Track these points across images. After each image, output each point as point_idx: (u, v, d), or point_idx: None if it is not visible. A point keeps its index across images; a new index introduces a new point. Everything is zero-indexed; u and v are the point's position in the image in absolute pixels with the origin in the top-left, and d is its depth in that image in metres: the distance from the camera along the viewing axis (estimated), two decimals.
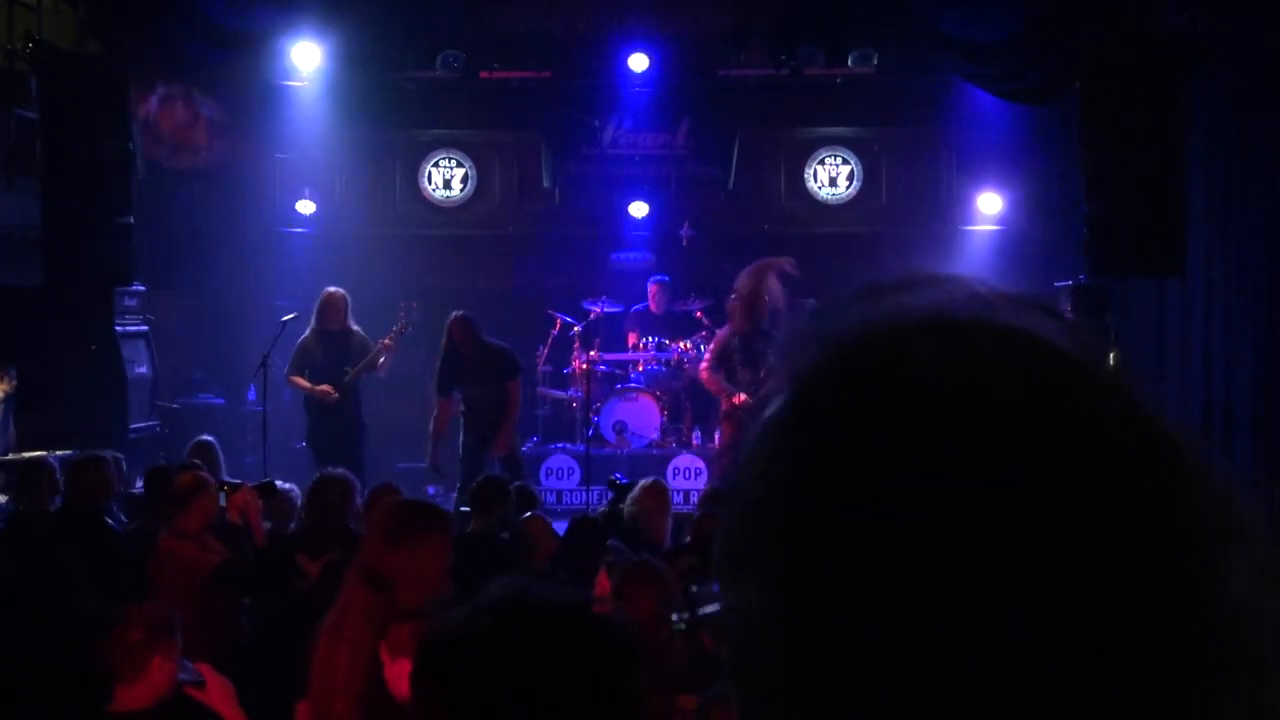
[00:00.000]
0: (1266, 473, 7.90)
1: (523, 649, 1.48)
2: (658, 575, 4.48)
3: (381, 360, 9.94)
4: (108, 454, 7.08)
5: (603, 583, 4.51)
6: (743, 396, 9.60)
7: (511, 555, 5.89)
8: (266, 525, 6.39)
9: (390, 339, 10.01)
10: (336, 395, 9.77)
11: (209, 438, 8.38)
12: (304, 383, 9.88)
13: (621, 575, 4.60)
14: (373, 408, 10.55)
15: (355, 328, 10.05)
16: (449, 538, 3.87)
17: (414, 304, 11.30)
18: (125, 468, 7.77)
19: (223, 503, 6.14)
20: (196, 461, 7.40)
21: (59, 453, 8.62)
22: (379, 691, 3.62)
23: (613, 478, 8.13)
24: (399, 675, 3.57)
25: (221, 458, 8.09)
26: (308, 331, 10.02)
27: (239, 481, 6.46)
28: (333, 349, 9.89)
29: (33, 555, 5.41)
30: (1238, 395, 8.74)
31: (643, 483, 7.31)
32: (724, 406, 10.02)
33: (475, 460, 9.69)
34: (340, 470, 6.37)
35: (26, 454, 8.77)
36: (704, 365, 10.06)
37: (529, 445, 11.71)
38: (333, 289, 10.10)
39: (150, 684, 4.04)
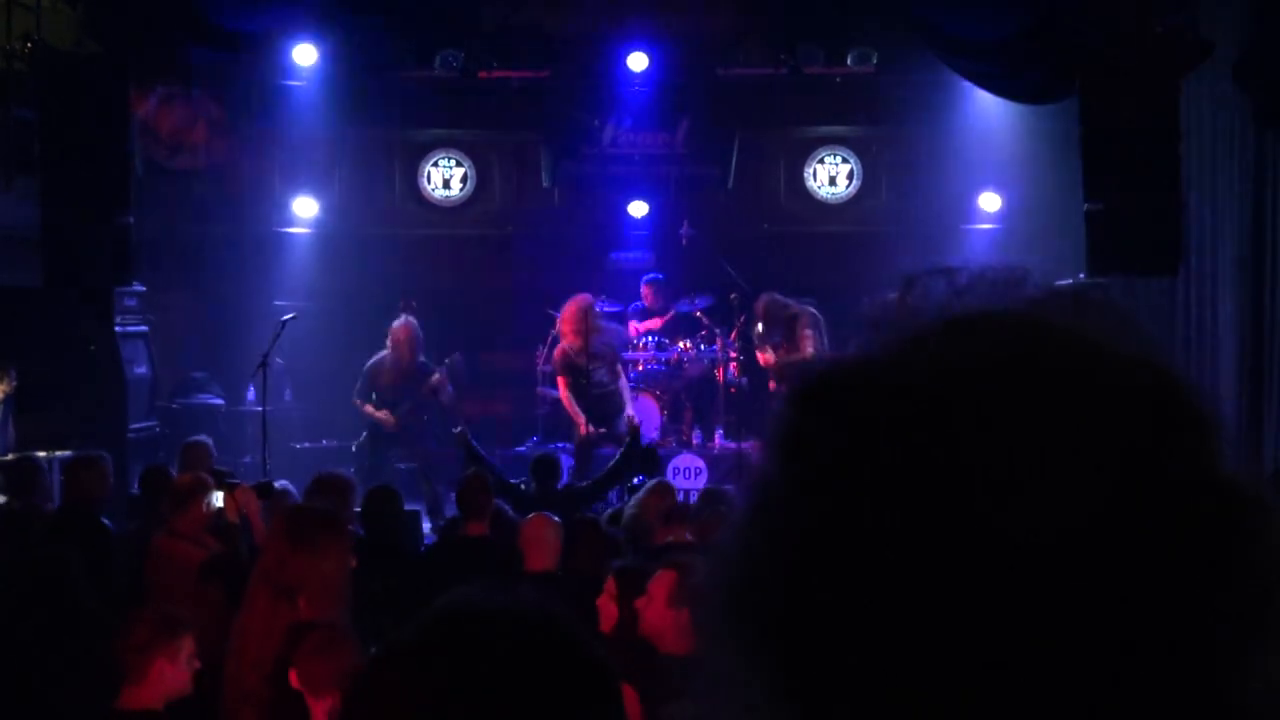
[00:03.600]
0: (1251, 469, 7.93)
1: (478, 662, 1.37)
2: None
3: (440, 392, 10.66)
4: (102, 454, 7.07)
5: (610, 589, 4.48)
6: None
7: (510, 558, 5.85)
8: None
9: (441, 373, 10.67)
10: (394, 422, 10.48)
11: (204, 438, 8.45)
12: (370, 409, 10.57)
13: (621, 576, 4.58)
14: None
15: (421, 358, 10.72)
16: (349, 545, 3.96)
17: (413, 302, 11.33)
18: (125, 468, 7.79)
19: (220, 503, 6.12)
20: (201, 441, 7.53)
21: (59, 453, 8.63)
22: (284, 695, 3.65)
23: (636, 482, 8.23)
24: (323, 712, 3.60)
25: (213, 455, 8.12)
26: (380, 356, 10.69)
27: (238, 480, 6.46)
28: (397, 378, 10.60)
29: (34, 554, 5.40)
30: (1229, 392, 8.79)
31: (648, 484, 7.31)
32: None
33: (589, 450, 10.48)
34: (338, 470, 6.37)
35: (25, 454, 8.77)
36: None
37: (528, 445, 11.71)
38: (401, 320, 10.72)
39: (155, 685, 4.02)
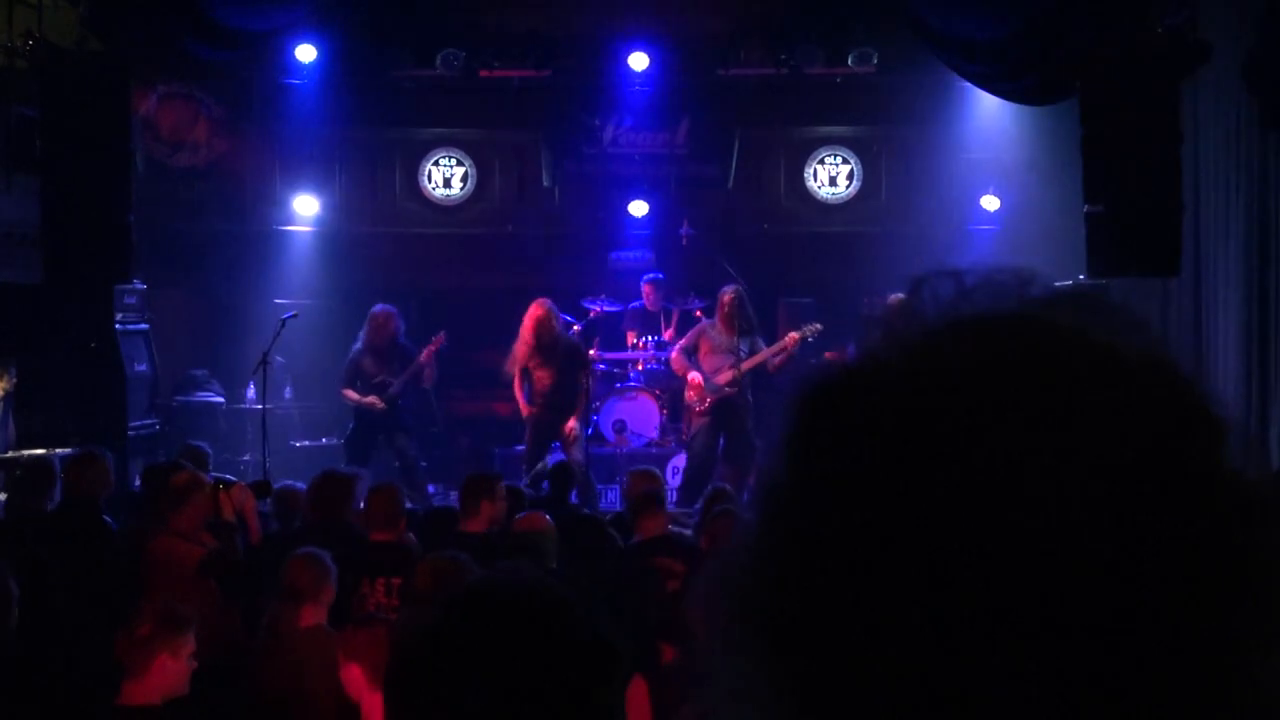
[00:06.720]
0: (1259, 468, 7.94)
1: (495, 643, 1.45)
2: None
3: (425, 372, 10.66)
4: (103, 451, 7.06)
5: None
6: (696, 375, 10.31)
7: (508, 555, 5.84)
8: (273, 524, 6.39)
9: (429, 352, 10.61)
10: (383, 406, 10.41)
11: (200, 443, 8.48)
12: (354, 395, 10.53)
13: None
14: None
15: (402, 341, 10.70)
16: None
17: (411, 302, 11.33)
18: (125, 465, 7.78)
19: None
20: (199, 446, 7.49)
21: (59, 450, 8.62)
22: None
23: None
24: (350, 679, 3.64)
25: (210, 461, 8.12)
26: (358, 346, 10.64)
27: (233, 480, 6.46)
28: (380, 363, 10.55)
29: (22, 557, 5.38)
30: (1230, 394, 8.79)
31: (629, 474, 7.34)
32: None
33: (542, 446, 10.37)
34: (343, 467, 6.37)
35: (26, 452, 8.77)
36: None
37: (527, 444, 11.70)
38: (380, 306, 10.68)
39: (156, 681, 3.99)
